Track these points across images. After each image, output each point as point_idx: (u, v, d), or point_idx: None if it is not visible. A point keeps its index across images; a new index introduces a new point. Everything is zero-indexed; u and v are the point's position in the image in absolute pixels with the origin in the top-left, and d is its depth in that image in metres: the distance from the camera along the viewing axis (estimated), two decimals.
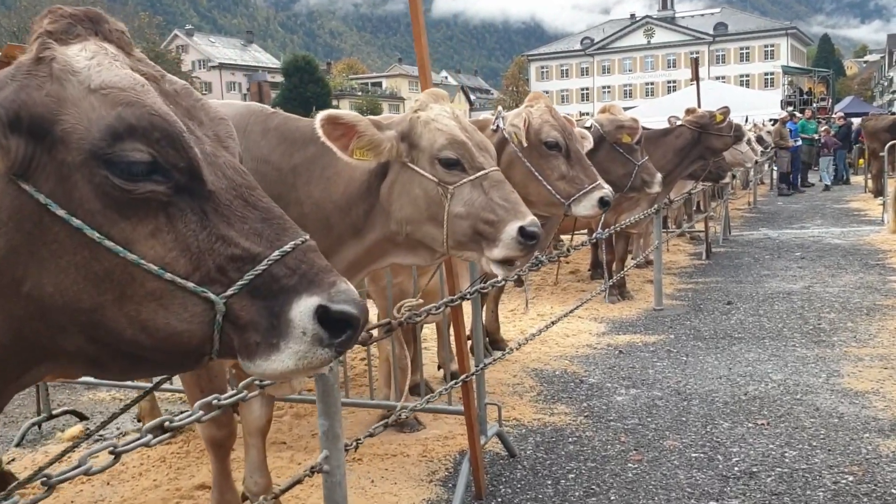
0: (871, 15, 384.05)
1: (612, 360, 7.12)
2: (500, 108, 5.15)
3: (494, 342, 7.61)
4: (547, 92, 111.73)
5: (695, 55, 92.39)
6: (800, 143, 24.69)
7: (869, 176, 22.55)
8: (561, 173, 4.97)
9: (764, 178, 26.71)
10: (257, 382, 2.58)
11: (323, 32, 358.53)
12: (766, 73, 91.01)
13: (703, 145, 8.90)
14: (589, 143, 5.99)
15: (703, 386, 6.23)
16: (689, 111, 9.01)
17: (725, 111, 8.93)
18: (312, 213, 3.46)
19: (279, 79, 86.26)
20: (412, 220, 3.33)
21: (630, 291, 9.84)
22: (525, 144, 4.88)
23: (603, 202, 5.01)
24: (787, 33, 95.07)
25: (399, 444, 5.18)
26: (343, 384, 5.48)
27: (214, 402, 2.37)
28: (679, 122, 9.01)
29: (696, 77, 12.00)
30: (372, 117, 3.33)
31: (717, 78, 74.20)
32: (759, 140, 20.23)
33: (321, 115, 3.20)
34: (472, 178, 3.28)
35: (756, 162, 13.49)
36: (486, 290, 4.50)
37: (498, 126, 4.98)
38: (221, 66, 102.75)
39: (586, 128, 6.87)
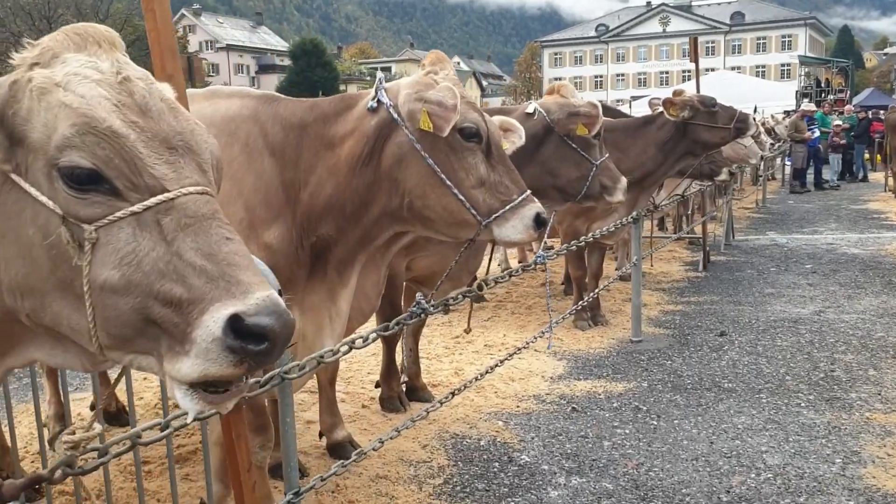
0: (892, 7, 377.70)
1: (560, 422, 5.42)
2: (379, 72, 3.43)
3: (413, 391, 5.93)
4: (560, 79, 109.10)
5: (710, 44, 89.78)
6: (817, 135, 22.79)
7: (889, 174, 20.70)
8: (479, 177, 3.30)
9: (775, 174, 24.83)
10: None
11: (339, 16, 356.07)
12: (782, 65, 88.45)
13: (690, 138, 7.15)
14: (518, 140, 4.31)
15: (673, 474, 4.53)
16: (675, 94, 7.24)
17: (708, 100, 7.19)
18: None
19: (287, 62, 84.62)
20: (28, 289, 1.69)
21: (604, 315, 8.12)
22: (445, 133, 3.18)
23: (539, 221, 3.35)
24: (806, 24, 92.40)
25: None
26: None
27: None
28: (661, 110, 7.26)
29: (694, 59, 10.22)
30: None
31: (733, 68, 72.06)
32: (770, 132, 18.43)
33: None
34: (134, 209, 1.63)
35: (762, 157, 11.70)
36: (302, 373, 2.81)
37: (379, 101, 3.28)
38: (229, 48, 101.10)
39: (528, 114, 5.16)
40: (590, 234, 6.30)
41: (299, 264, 3.37)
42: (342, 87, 79.95)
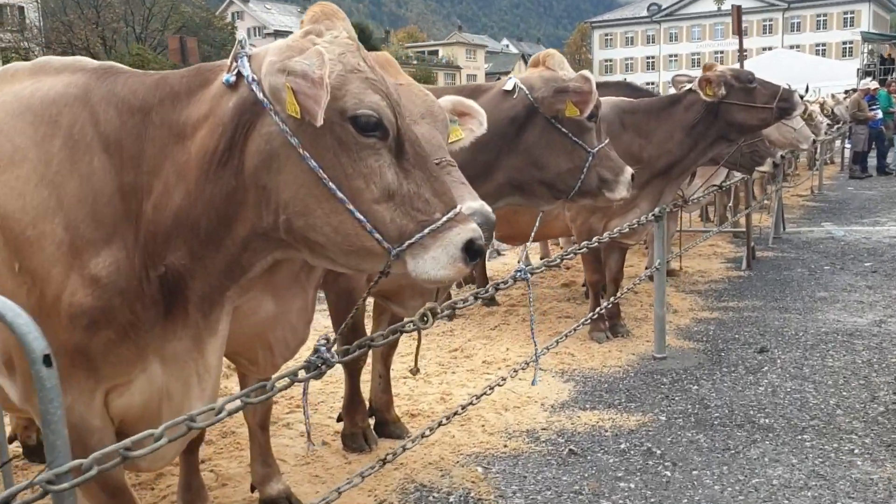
0: None
1: (552, 469, 4.43)
2: (241, 32, 2.47)
3: (383, 425, 4.99)
4: (610, 60, 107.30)
5: (768, 22, 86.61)
6: (880, 116, 21.13)
7: None
8: (385, 187, 2.34)
9: (833, 157, 23.24)
10: None
11: (388, 0, 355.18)
12: (844, 42, 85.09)
13: (723, 120, 6.03)
14: (478, 127, 3.36)
15: None
16: (706, 68, 6.12)
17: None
18: None
19: None
20: None
21: (625, 325, 7.07)
22: (318, 121, 2.22)
23: (473, 251, 2.37)
24: None
25: None
26: None
27: None
28: (688, 86, 6.16)
29: (738, 31, 9.07)
30: None
31: (792, 47, 69.41)
32: (828, 113, 17.03)
33: None
34: None
35: (814, 141, 10.42)
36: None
37: (239, 72, 2.34)
38: (277, 34, 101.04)
39: (506, 92, 4.16)
40: (607, 234, 5.29)
41: (145, 304, 2.45)
42: None
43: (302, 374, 2.61)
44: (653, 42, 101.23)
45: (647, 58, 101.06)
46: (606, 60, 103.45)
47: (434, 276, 2.39)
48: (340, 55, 2.32)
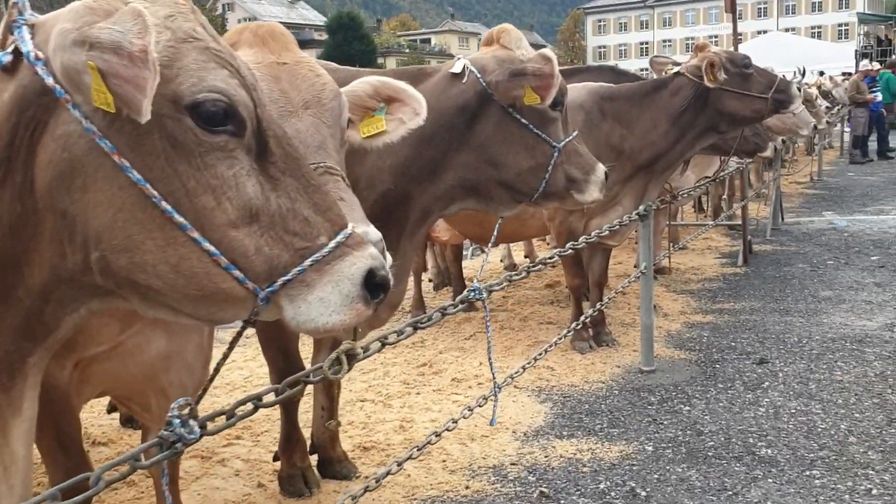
0: None
1: None
2: None
3: (327, 463, 4.32)
4: (604, 47, 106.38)
5: (762, 5, 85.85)
6: (881, 98, 20.44)
7: None
8: (245, 204, 1.68)
9: (832, 142, 22.55)
10: None
11: None
12: (839, 24, 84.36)
13: (713, 109, 5.36)
14: (413, 117, 2.72)
15: None
16: (698, 48, 5.45)
17: None
18: None
19: (326, 37, 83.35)
20: None
21: (610, 333, 6.40)
22: (144, 116, 1.56)
23: (374, 285, 1.73)
24: None
25: None
26: None
27: None
28: (675, 70, 5.48)
29: (732, 9, 8.38)
30: None
31: (787, 30, 68.76)
32: (826, 95, 16.37)
33: None
34: None
35: (816, 127, 9.78)
36: None
37: (17, 49, 1.67)
38: None
39: (454, 75, 3.48)
40: (583, 237, 4.60)
41: None
42: (380, 61, 78.36)
43: (153, 452, 1.96)
44: (646, 27, 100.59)
45: (641, 43, 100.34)
46: (600, 47, 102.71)
47: (323, 324, 1.74)
48: (168, 18, 1.65)
